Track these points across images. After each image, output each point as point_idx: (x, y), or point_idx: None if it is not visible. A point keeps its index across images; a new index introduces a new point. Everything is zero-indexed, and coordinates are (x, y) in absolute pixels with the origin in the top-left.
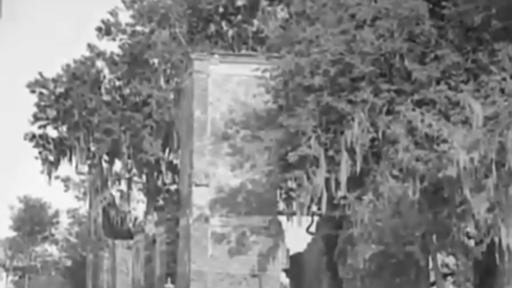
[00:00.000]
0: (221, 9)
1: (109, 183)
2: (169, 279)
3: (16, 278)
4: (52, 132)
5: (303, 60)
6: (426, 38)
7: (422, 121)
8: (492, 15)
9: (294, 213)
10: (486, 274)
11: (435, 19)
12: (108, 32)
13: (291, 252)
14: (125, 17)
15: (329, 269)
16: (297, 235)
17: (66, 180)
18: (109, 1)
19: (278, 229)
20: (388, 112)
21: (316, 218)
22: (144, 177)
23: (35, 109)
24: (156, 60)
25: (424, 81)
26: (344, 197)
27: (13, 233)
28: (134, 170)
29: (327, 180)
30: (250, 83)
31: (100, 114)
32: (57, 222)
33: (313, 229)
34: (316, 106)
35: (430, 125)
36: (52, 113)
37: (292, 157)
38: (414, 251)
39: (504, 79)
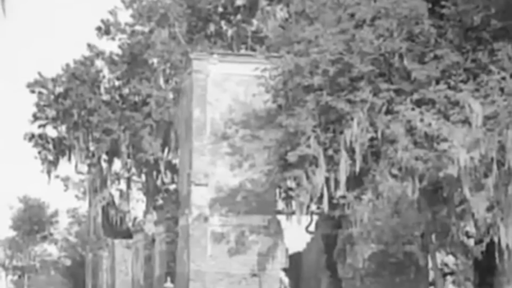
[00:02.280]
0: (220, 9)
1: (109, 182)
2: (168, 279)
3: (16, 277)
4: (51, 132)
5: (302, 60)
6: (426, 37)
7: (422, 120)
8: (491, 15)
9: (293, 213)
10: (485, 273)
11: (434, 18)
12: (107, 32)
13: (291, 252)
14: (124, 16)
15: (328, 269)
16: (297, 234)
17: (65, 180)
18: (109, 1)
19: (278, 228)
20: (388, 112)
21: (315, 218)
22: (143, 176)
23: (34, 109)
24: (155, 60)
25: (424, 81)
26: (344, 197)
27: (12, 233)
28: (134, 170)
29: (326, 180)
30: (249, 82)
31: (99, 113)
32: (57, 222)
33: (312, 228)
34: (316, 106)
35: (429, 125)
36: (51, 112)
37: (291, 156)
38: (413, 250)
39: (503, 78)
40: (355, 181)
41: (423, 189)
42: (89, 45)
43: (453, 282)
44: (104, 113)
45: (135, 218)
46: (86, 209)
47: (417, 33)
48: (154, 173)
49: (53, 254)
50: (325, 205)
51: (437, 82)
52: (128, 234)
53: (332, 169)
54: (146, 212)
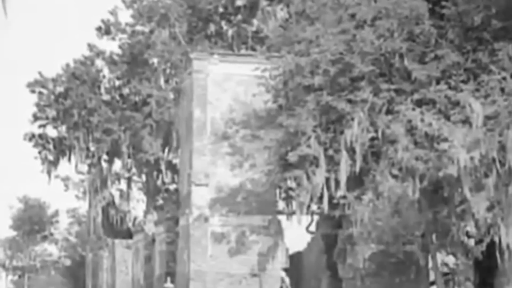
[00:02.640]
0: (220, 9)
1: (109, 182)
2: (168, 279)
3: (16, 277)
4: (51, 132)
5: (303, 60)
6: (426, 37)
7: (422, 120)
8: (492, 15)
9: (293, 213)
10: (486, 273)
11: (435, 18)
12: (108, 32)
13: (291, 252)
14: (125, 16)
15: (328, 269)
16: (297, 234)
17: (65, 180)
18: (109, 1)
19: (278, 228)
20: (388, 112)
21: (315, 217)
22: (143, 176)
23: (34, 109)
24: (155, 60)
25: (424, 81)
26: (344, 197)
27: (12, 233)
28: (134, 170)
29: (327, 180)
30: (249, 82)
31: (99, 113)
32: (57, 222)
33: (312, 228)
34: (316, 106)
35: (430, 125)
36: (51, 112)
37: (292, 156)
38: (413, 250)
39: (504, 78)
40: (356, 181)
41: (423, 189)
42: (89, 45)
43: (454, 282)
44: (104, 113)
45: (135, 218)
46: (86, 209)
47: (418, 33)
48: (155, 173)
49: (53, 254)
50: (325, 205)
51: (438, 82)
52: (128, 234)
53: (332, 169)
54: (146, 212)
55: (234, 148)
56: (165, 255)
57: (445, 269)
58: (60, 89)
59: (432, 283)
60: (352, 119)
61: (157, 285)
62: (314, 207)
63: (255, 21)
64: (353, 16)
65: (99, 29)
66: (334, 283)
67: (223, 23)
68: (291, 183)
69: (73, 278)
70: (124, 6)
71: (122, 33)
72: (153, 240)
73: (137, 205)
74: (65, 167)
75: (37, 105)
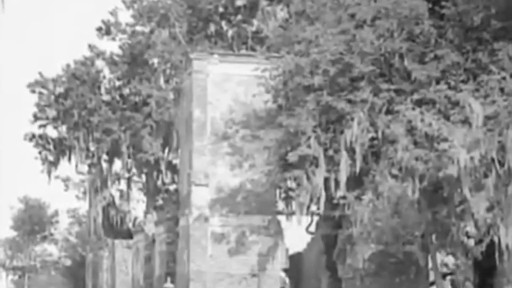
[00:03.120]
0: (220, 9)
1: (109, 182)
2: (168, 279)
3: (16, 277)
4: (52, 132)
5: (302, 60)
6: (426, 37)
7: (422, 120)
8: (491, 15)
9: (293, 213)
10: (485, 273)
11: (434, 18)
12: (108, 32)
13: (291, 252)
14: (125, 17)
15: (328, 269)
16: (297, 234)
17: (66, 180)
18: (109, 1)
19: (278, 228)
20: (388, 112)
21: (315, 218)
22: (143, 176)
23: (35, 109)
24: (155, 60)
25: (424, 81)
26: (344, 197)
27: (13, 233)
28: (134, 170)
29: (326, 180)
30: (249, 83)
31: (99, 114)
32: (57, 222)
33: (312, 228)
34: (316, 106)
35: (429, 125)
36: (52, 113)
37: (291, 157)
38: (413, 250)
39: (504, 78)
40: (355, 181)
41: (423, 189)
42: (89, 46)
43: (453, 282)
44: (104, 114)
45: (135, 218)
46: (87, 209)
47: (418, 33)
48: (155, 173)
49: (54, 254)
50: (321, 206)
51: (437, 82)
52: (128, 235)
53: (332, 169)
54: (146, 212)
55: (234, 148)
56: (165, 255)
57: (445, 269)
58: (60, 89)
59: (432, 283)
60: (352, 119)
61: (157, 285)
62: (314, 207)
63: (255, 21)
64: (352, 16)
65: (99, 29)
66: (334, 283)
67: (223, 23)
68: (291, 183)
69: (73, 278)
70: (124, 7)
71: (122, 33)
72: (153, 241)
73: (137, 205)
74: (65, 167)
75: (38, 105)
